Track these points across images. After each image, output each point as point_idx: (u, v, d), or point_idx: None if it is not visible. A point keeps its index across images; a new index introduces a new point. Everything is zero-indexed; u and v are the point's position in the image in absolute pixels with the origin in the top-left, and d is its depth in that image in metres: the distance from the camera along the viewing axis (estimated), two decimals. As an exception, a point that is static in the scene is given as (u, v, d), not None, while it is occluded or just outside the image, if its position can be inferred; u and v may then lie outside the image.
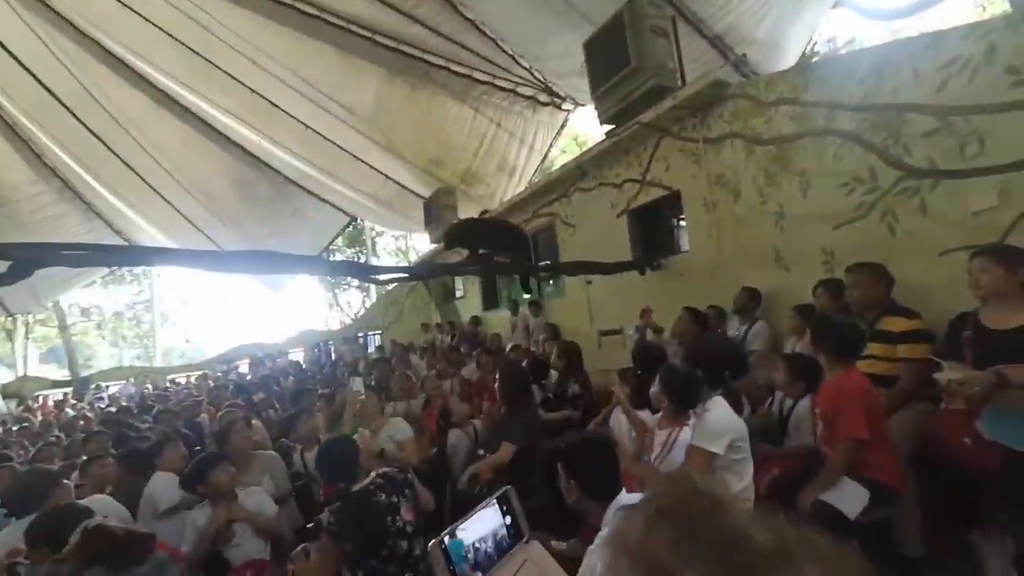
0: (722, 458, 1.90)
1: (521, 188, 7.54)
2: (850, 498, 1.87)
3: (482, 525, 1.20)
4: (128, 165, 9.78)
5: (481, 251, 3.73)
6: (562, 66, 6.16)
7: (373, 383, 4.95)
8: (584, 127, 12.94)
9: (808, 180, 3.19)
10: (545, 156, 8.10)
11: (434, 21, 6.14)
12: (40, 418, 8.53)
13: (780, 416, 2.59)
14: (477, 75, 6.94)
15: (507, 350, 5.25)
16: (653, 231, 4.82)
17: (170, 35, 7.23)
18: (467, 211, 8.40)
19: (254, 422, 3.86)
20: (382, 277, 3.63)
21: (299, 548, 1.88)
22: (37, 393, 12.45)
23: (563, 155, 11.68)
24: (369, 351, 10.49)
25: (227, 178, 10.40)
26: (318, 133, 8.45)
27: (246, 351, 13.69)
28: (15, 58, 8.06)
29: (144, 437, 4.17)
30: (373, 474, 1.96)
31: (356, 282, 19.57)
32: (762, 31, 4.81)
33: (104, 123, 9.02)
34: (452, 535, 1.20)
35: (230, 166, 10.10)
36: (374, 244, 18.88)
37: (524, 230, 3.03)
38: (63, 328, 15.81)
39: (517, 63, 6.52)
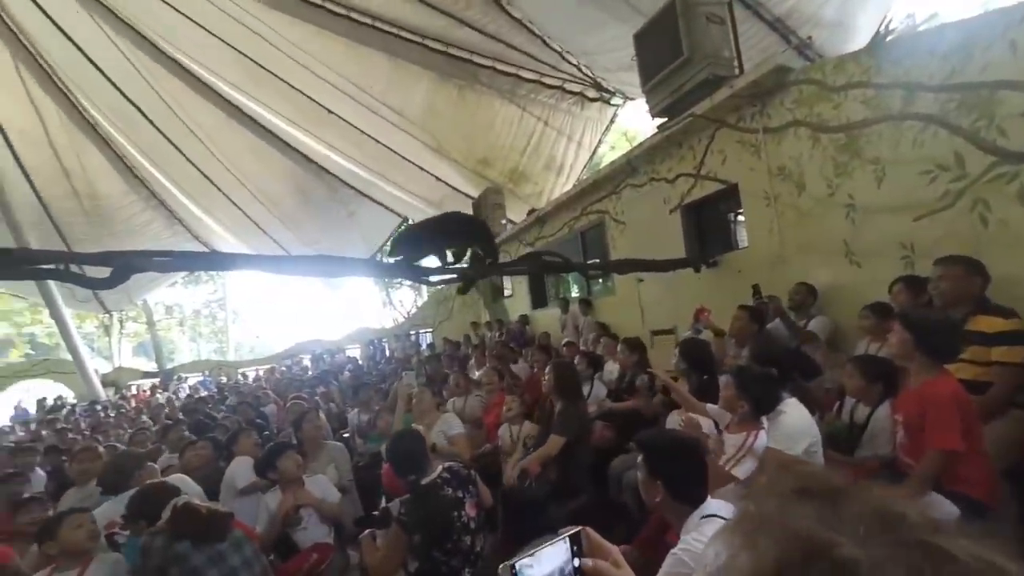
0: (800, 463, 1.81)
1: (569, 186, 7.48)
2: (938, 514, 1.72)
3: (551, 562, 1.15)
4: (203, 174, 10.63)
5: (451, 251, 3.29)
6: (611, 60, 6.05)
7: (425, 379, 5.11)
8: (634, 122, 12.62)
9: (883, 169, 2.95)
10: (593, 153, 8.00)
11: (481, 22, 6.22)
12: (133, 405, 9.47)
13: (850, 423, 2.42)
14: (524, 74, 6.96)
15: (561, 347, 5.24)
16: (708, 227, 4.64)
17: (238, 50, 7.77)
18: (515, 210, 8.45)
19: (321, 415, 4.08)
20: (433, 278, 3.73)
21: (365, 533, 1.98)
22: (130, 382, 13.81)
23: (612, 151, 11.45)
24: (421, 348, 10.80)
25: (288, 183, 11.06)
26: (370, 137, 8.79)
27: (308, 347, 14.48)
28: (109, 79, 8.96)
29: (220, 425, 4.54)
30: (440, 468, 1.99)
31: (408, 281, 20.17)
32: (829, 11, 4.50)
33: (183, 136, 9.85)
34: (522, 562, 1.16)
35: (290, 172, 10.73)
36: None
37: (476, 218, 2.78)
38: (151, 324, 17.44)
39: (564, 59, 6.48)
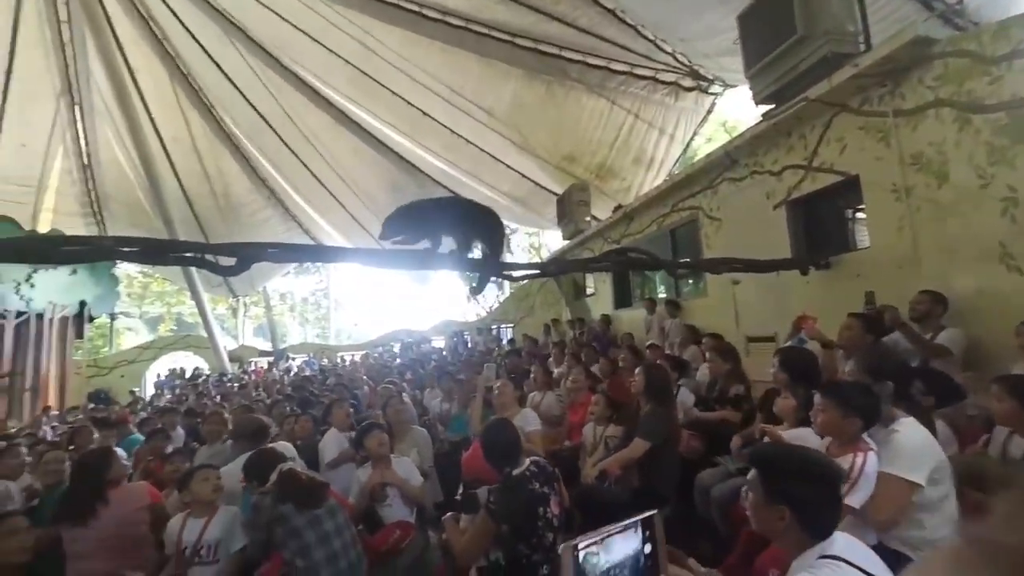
0: (923, 492, 1.55)
1: (659, 181, 7.14)
2: None
3: (621, 549, 1.06)
4: (313, 174, 11.72)
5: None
6: (710, 46, 5.65)
7: (505, 372, 5.18)
8: (734, 111, 11.72)
9: (1059, 154, 2.43)
10: (687, 146, 7.55)
11: (571, 16, 6.13)
12: (252, 379, 10.77)
13: (1003, 458, 2.02)
14: (615, 66, 6.75)
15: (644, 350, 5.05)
16: (819, 224, 4.15)
17: (345, 60, 8.44)
18: (601, 206, 8.26)
19: (405, 398, 4.32)
20: (515, 273, 3.74)
21: (448, 515, 2.05)
22: (251, 359, 15.73)
23: (708, 144, 10.74)
24: (501, 342, 11.00)
25: (384, 182, 11.81)
26: (460, 136, 9.09)
27: (398, 335, 15.43)
28: (242, 93, 10.22)
29: (320, 402, 4.99)
30: (528, 461, 1.99)
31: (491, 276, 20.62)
32: (987, -32, 3.79)
33: (297, 140, 10.94)
34: (588, 548, 1.09)
35: (386, 171, 11.43)
36: (509, 241, 19.69)
37: (484, 207, 2.41)
38: (268, 309, 19.70)
39: (659, 48, 6.17)
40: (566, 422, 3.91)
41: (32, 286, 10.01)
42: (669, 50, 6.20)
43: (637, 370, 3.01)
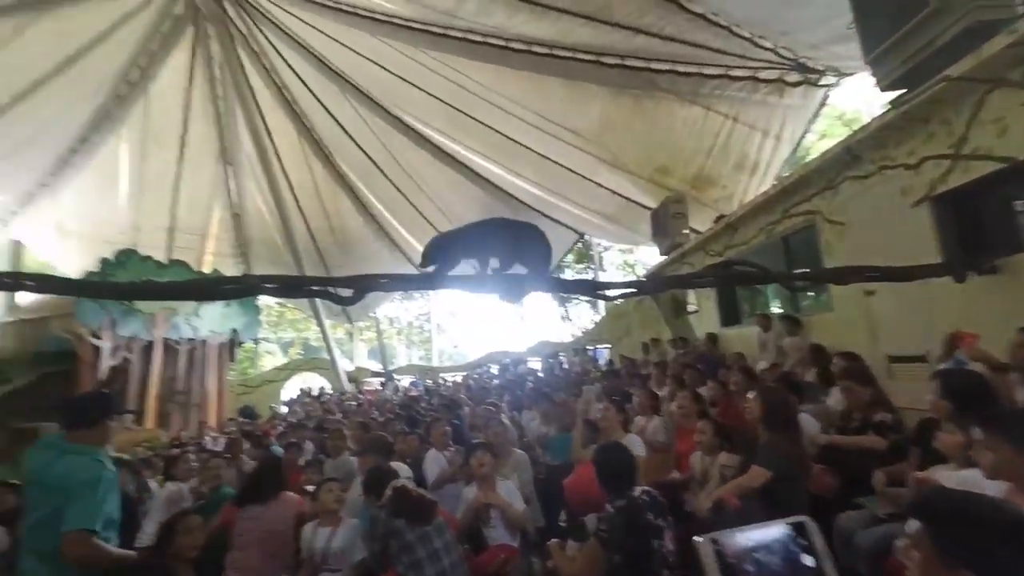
0: None
1: (766, 186, 6.58)
2: None
3: (762, 537, 0.95)
4: (416, 208, 12.69)
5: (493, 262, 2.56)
6: (817, 35, 5.16)
7: (605, 394, 5.03)
8: (853, 102, 10.48)
9: None
10: (797, 146, 6.89)
11: (658, 26, 6.00)
12: (367, 398, 11.72)
13: None
14: (707, 70, 6.44)
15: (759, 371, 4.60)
16: (977, 221, 3.49)
17: (441, 100, 9.11)
18: (699, 218, 7.81)
19: (505, 420, 4.39)
20: (610, 292, 3.65)
21: (553, 541, 2.02)
22: (364, 380, 17.17)
23: (822, 140, 9.70)
24: (598, 362, 10.74)
25: (478, 209, 12.38)
26: (548, 159, 9.25)
27: (496, 357, 15.81)
28: (351, 138, 11.49)
29: (424, 421, 5.26)
30: (639, 490, 1.90)
31: (585, 297, 20.41)
32: None
33: (400, 177, 11.97)
34: (730, 545, 1.00)
35: (479, 198, 11.99)
36: (601, 259, 19.37)
37: (530, 224, 2.16)
38: (378, 333, 21.46)
39: (756, 45, 5.77)
40: (673, 450, 3.67)
41: (199, 317, 12.01)
42: (769, 46, 5.77)
43: (751, 394, 2.73)
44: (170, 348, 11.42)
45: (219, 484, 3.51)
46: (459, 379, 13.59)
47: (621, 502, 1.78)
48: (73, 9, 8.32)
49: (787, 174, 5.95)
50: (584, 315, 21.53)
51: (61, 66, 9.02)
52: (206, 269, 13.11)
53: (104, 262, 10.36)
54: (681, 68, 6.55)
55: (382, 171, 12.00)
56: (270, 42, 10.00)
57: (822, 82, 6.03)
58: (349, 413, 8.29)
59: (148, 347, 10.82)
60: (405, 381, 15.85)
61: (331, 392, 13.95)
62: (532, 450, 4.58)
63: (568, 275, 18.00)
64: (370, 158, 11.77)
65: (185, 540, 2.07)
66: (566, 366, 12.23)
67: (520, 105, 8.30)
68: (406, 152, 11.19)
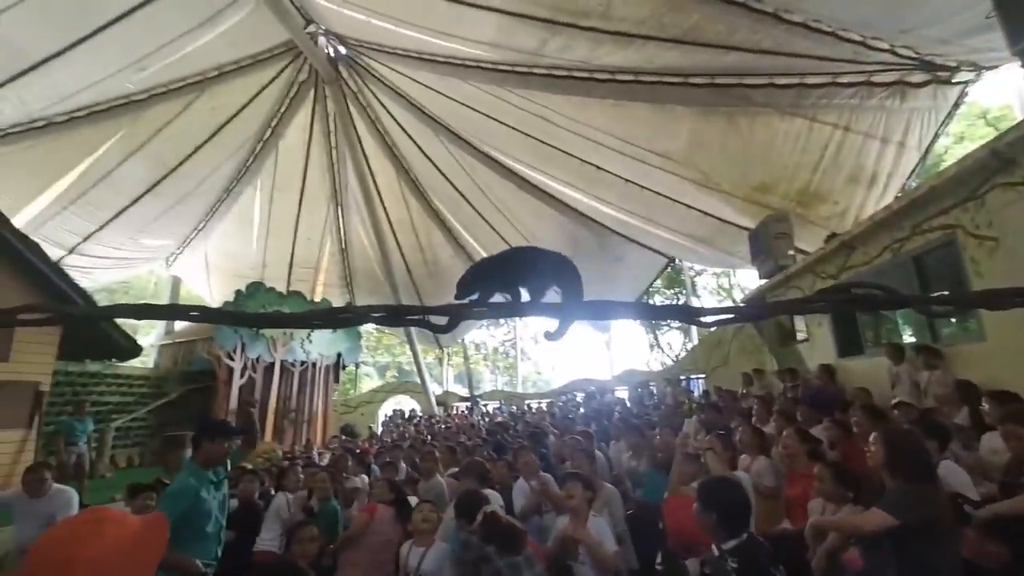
0: None
1: (888, 199, 5.87)
2: None
3: None
4: (502, 238, 13.10)
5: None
6: (946, 29, 4.58)
7: (703, 429, 4.67)
8: (997, 98, 9.06)
9: None
10: (926, 152, 6.07)
11: (751, 41, 5.72)
12: (456, 422, 12.05)
13: None
14: (810, 80, 5.99)
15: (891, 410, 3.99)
16: None
17: (525, 133, 9.44)
18: (806, 237, 7.15)
19: (598, 454, 4.23)
20: (707, 319, 3.42)
21: None
22: (452, 404, 17.70)
23: (960, 144, 8.45)
24: (692, 394, 10.04)
25: (563, 237, 12.46)
26: (634, 184, 9.09)
27: (580, 385, 15.49)
28: (443, 175, 12.27)
29: (513, 447, 5.26)
30: (746, 535, 1.73)
31: (676, 324, 19.40)
32: None
33: (488, 209, 12.49)
34: None
35: (564, 226, 12.08)
36: (694, 284, 18.36)
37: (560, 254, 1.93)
38: (466, 359, 22.15)
39: (869, 48, 5.26)
40: (783, 495, 3.27)
41: (311, 341, 13.32)
42: (884, 47, 5.22)
43: (873, 436, 2.33)
44: (286, 369, 12.76)
45: (327, 496, 3.78)
46: (543, 406, 13.47)
47: (733, 543, 1.61)
48: (223, 87, 10.06)
49: (916, 185, 5.25)
50: (675, 343, 20.41)
51: (214, 132, 10.87)
52: (317, 298, 14.58)
53: (238, 293, 11.99)
54: (780, 80, 6.16)
55: (471, 204, 12.64)
56: (375, 95, 11.17)
57: (957, 79, 5.30)
58: (439, 436, 8.55)
59: (269, 368, 12.18)
60: (490, 406, 16.06)
61: (421, 414, 14.56)
62: (621, 484, 4.36)
63: (658, 302, 17.28)
64: (460, 192, 12.48)
65: (299, 548, 2.25)
66: (656, 397, 11.60)
67: (604, 132, 8.32)
68: (493, 185, 11.70)
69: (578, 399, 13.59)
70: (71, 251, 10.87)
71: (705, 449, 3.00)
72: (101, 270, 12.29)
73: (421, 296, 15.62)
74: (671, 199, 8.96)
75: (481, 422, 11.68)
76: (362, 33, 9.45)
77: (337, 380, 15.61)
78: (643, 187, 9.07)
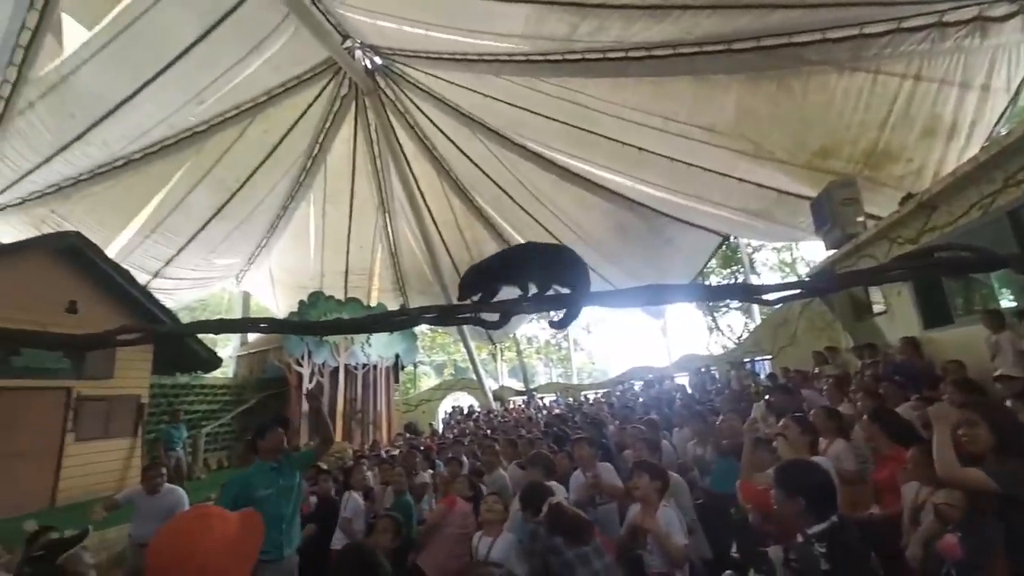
0: None
1: (973, 150, 5.28)
2: None
3: None
4: (547, 230, 13.05)
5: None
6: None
7: (772, 413, 4.43)
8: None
9: None
10: (1017, 93, 5.39)
11: (801, -5, 5.33)
12: (513, 416, 12.18)
13: None
14: (870, 29, 5.48)
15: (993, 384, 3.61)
16: None
17: (563, 122, 9.31)
18: (877, 201, 6.61)
19: (665, 444, 4.13)
20: (769, 296, 3.22)
21: (728, 573, 1.84)
22: (508, 398, 17.90)
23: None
24: (759, 377, 9.56)
25: (609, 223, 12.22)
26: (679, 161, 8.74)
27: (638, 373, 15.17)
28: (483, 171, 12.36)
29: (569, 439, 5.24)
30: (834, 518, 1.65)
31: (736, 304, 18.55)
32: None
33: (530, 202, 12.46)
34: None
35: (610, 213, 11.83)
36: (752, 261, 17.46)
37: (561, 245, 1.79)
38: (519, 353, 22.29)
39: (939, -16, 4.74)
40: (869, 480, 3.04)
41: (370, 345, 13.90)
42: (958, -19, 4.69)
43: (967, 417, 2.08)
44: (350, 372, 13.39)
45: (403, 491, 3.95)
46: (600, 396, 13.33)
47: (821, 527, 1.51)
48: (274, 109, 10.67)
49: (1007, 131, 4.69)
50: (736, 325, 19.55)
51: (268, 154, 11.56)
52: (373, 303, 15.17)
53: (300, 303, 12.70)
54: (835, 34, 5.68)
55: (512, 198, 12.66)
56: (412, 101, 11.43)
57: (1049, 6, 4.67)
58: (498, 430, 8.68)
59: (334, 372, 12.84)
60: (546, 399, 16.09)
61: (479, 410, 14.82)
62: (688, 472, 4.23)
63: (714, 283, 16.60)
64: (501, 188, 12.53)
65: (377, 538, 2.37)
66: (719, 381, 11.16)
67: (644, 112, 8.05)
68: (533, 177, 11.65)
69: (636, 388, 13.32)
70: (155, 275, 11.96)
71: (777, 434, 2.85)
72: (182, 291, 13.45)
73: (471, 294, 15.87)
74: (721, 174, 8.54)
75: (537, 415, 11.73)
76: (395, 41, 9.68)
77: (397, 380, 16.19)
78: (689, 164, 8.70)
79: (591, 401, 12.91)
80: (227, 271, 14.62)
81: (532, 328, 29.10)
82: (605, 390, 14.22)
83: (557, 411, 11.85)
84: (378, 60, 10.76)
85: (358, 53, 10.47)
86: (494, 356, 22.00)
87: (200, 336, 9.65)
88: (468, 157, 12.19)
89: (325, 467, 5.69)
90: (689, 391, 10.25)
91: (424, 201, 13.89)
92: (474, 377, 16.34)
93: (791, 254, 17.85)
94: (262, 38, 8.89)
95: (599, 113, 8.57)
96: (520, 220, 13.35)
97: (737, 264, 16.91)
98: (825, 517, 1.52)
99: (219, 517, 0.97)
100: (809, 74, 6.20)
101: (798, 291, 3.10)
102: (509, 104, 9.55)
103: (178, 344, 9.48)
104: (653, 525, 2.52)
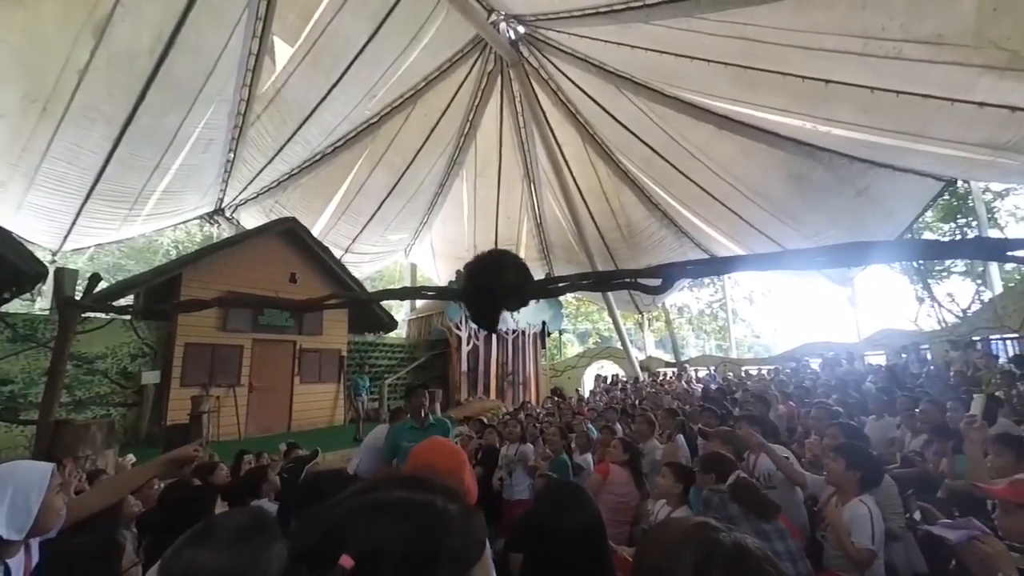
0: None
1: None
2: None
3: None
4: (702, 188, 11.87)
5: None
6: None
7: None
8: None
9: None
10: None
11: None
12: (663, 387, 11.71)
13: None
14: None
15: None
16: None
17: (725, 63, 8.17)
18: None
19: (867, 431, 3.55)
20: (1018, 253, 2.38)
21: None
22: (656, 369, 17.22)
23: None
24: (997, 359, 7.46)
25: (780, 176, 10.54)
26: (889, 91, 6.99)
27: (815, 349, 13.17)
28: (631, 131, 11.65)
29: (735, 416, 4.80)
30: None
31: (961, 266, 14.61)
32: None
33: (684, 159, 11.41)
34: None
35: (782, 162, 10.19)
36: (991, 211, 13.47)
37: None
38: (668, 323, 21.14)
39: None
40: None
41: (519, 312, 14.64)
42: None
43: None
44: (501, 337, 14.34)
45: (559, 450, 4.14)
46: (765, 372, 11.94)
47: None
48: (430, 94, 11.59)
49: None
50: (962, 293, 15.56)
51: (428, 135, 12.67)
52: (521, 272, 15.84)
53: (457, 273, 13.92)
54: None
55: (663, 157, 11.75)
56: (555, 66, 11.24)
57: None
58: (646, 400, 8.43)
59: (488, 337, 13.87)
60: (700, 372, 15.05)
61: (624, 378, 14.58)
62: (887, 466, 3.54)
63: (930, 238, 13.28)
64: (650, 147, 11.70)
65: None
66: (931, 363, 9.04)
67: (835, 34, 6.56)
68: (686, 131, 10.60)
69: (813, 366, 11.61)
70: (346, 251, 14.27)
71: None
72: (365, 264, 15.82)
73: (616, 262, 15.43)
74: (949, 100, 6.60)
75: (689, 388, 11.05)
76: (536, 6, 9.54)
77: (544, 346, 16.81)
78: (899, 92, 6.90)
79: (755, 377, 11.67)
80: (398, 245, 16.67)
81: (683, 296, 27.28)
82: (771, 367, 12.67)
83: (712, 386, 11.00)
84: (521, 29, 10.77)
85: (502, 26, 10.63)
86: (640, 326, 21.29)
87: (382, 302, 11.35)
88: (614, 117, 11.62)
89: (486, 420, 6.24)
90: (892, 372, 8.52)
91: (568, 168, 13.77)
92: (619, 346, 16.06)
93: (1057, 199, 13.23)
94: (418, 27, 9.61)
95: (772, 45, 7.27)
96: (672, 179, 12.36)
97: (968, 215, 13.19)
98: None
99: (443, 442, 1.46)
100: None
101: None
102: (660, 52, 8.72)
103: (366, 309, 11.30)
104: (833, 516, 2.18)
